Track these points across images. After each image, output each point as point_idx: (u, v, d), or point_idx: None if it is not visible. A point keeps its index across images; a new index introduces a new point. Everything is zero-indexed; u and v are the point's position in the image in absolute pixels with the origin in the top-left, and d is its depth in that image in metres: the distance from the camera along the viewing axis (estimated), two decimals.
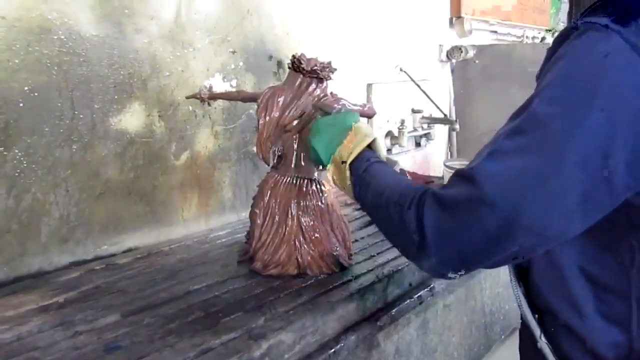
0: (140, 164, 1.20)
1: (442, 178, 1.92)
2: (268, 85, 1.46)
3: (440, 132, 2.25)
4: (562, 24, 3.41)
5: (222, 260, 1.13)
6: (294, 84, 1.07)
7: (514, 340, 1.54)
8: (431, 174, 2.10)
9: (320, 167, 0.99)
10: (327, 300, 0.93)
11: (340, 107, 1.02)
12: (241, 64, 1.39)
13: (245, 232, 1.14)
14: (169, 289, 0.98)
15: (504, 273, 1.46)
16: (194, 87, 1.27)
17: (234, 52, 1.37)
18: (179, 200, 1.29)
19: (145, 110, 1.19)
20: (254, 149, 1.43)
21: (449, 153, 2.32)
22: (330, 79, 1.09)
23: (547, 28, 3.20)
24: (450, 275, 0.65)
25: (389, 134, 1.93)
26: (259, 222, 1.05)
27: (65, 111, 1.06)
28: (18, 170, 1.01)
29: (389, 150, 1.95)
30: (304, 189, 1.04)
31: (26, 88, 1.00)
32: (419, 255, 0.65)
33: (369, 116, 1.13)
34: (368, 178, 0.81)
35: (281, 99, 1.06)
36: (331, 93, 1.09)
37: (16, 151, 1.00)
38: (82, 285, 1.00)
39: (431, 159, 2.27)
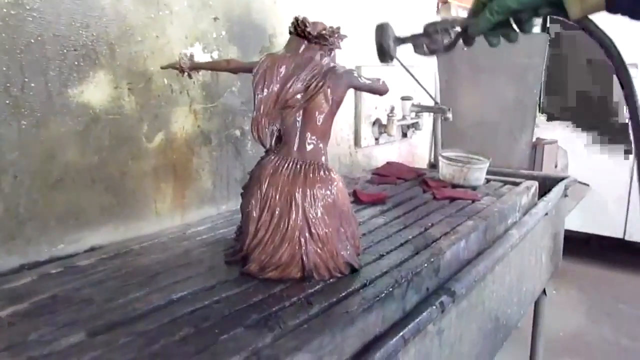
0: (106, 145, 1.00)
1: (435, 169, 1.79)
2: (253, 59, 1.29)
3: (426, 123, 2.11)
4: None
5: (206, 261, 0.95)
6: (297, 52, 0.90)
7: (511, 346, 1.43)
8: (416, 167, 1.96)
9: None
10: (344, 310, 0.76)
11: None
12: (224, 33, 1.20)
13: (236, 228, 0.96)
14: (146, 297, 0.79)
15: (508, 275, 1.34)
16: (170, 56, 1.08)
17: (216, 19, 1.18)
18: (151, 190, 1.10)
19: (113, 82, 1.00)
20: (237, 132, 1.26)
21: (434, 145, 2.19)
22: (340, 47, 0.92)
23: None
24: None
25: (376, 122, 1.78)
26: (254, 215, 0.87)
27: (13, 78, 0.85)
28: None
29: (376, 139, 1.80)
30: (311, 175, 0.87)
31: None
32: None
33: (382, 93, 0.97)
34: None
35: (282, 69, 0.89)
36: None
37: None
38: (35, 294, 0.80)
39: (416, 151, 2.14)
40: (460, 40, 0.92)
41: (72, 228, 0.97)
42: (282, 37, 1.36)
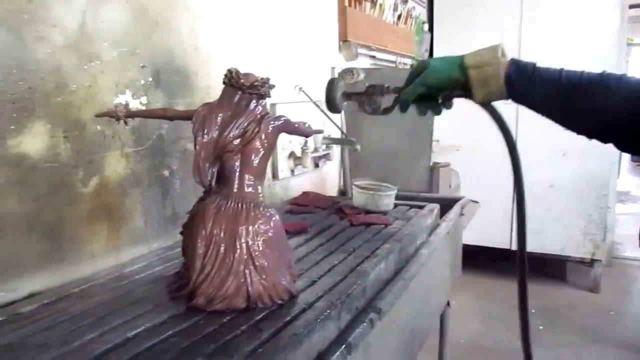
0: (43, 193, 1.02)
1: (346, 196, 1.93)
2: (177, 103, 1.36)
3: (335, 153, 2.26)
4: (426, 53, 3.68)
5: (151, 298, 1.00)
6: (232, 101, 0.99)
7: (421, 355, 1.58)
8: (329, 195, 2.10)
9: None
10: (291, 333, 0.86)
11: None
12: (150, 79, 1.27)
13: (181, 265, 1.02)
14: (102, 338, 0.83)
15: (420, 289, 1.50)
16: (102, 104, 1.13)
17: (143, 67, 1.24)
18: (87, 233, 1.12)
19: (49, 131, 1.03)
20: (166, 172, 1.31)
21: (343, 173, 2.34)
22: (270, 96, 1.03)
23: (414, 56, 3.43)
24: None
25: (291, 154, 1.90)
26: (200, 252, 0.94)
27: None
28: None
29: (292, 171, 1.92)
30: (252, 213, 0.96)
31: None
32: None
33: (308, 135, 1.08)
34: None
35: (220, 117, 0.98)
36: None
37: None
38: None
39: (327, 180, 2.28)
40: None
41: (11, 276, 0.98)
42: (203, 80, 1.44)
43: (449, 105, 1.04)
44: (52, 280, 1.05)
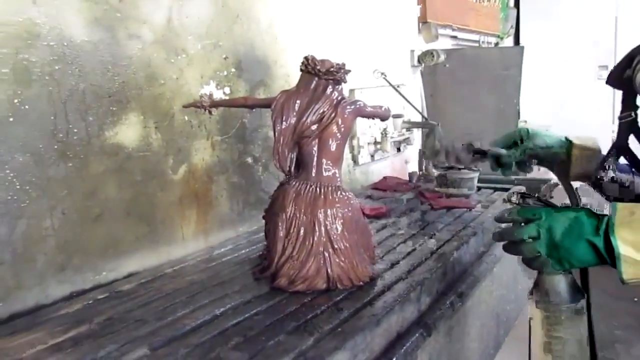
0: (137, 180, 1.10)
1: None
2: (258, 92, 1.40)
3: (416, 137, 2.24)
4: (512, 30, 3.53)
5: (237, 279, 1.05)
6: (309, 87, 1.01)
7: (513, 342, 1.53)
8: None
9: None
10: (370, 314, 0.87)
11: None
12: (233, 70, 1.32)
13: (263, 247, 1.06)
14: (193, 314, 0.89)
15: (505, 274, 1.46)
16: (188, 95, 1.19)
17: (226, 58, 1.29)
18: (178, 217, 1.20)
19: (142, 122, 1.10)
20: (249, 159, 1.36)
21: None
22: (346, 81, 1.04)
23: (498, 34, 3.29)
24: None
25: (372, 139, 1.90)
26: (281, 234, 0.97)
27: (59, 125, 0.95)
28: (10, 193, 0.89)
29: (372, 156, 1.92)
30: (330, 197, 0.98)
31: (16, 100, 0.89)
32: None
33: (385, 118, 1.09)
34: None
35: (297, 104, 1.00)
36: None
37: (7, 171, 0.89)
38: (91, 317, 0.89)
39: (408, 164, 2.26)
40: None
41: (111, 257, 1.07)
42: (282, 69, 1.47)
43: (530, 170, 1.12)
44: (148, 261, 1.13)
